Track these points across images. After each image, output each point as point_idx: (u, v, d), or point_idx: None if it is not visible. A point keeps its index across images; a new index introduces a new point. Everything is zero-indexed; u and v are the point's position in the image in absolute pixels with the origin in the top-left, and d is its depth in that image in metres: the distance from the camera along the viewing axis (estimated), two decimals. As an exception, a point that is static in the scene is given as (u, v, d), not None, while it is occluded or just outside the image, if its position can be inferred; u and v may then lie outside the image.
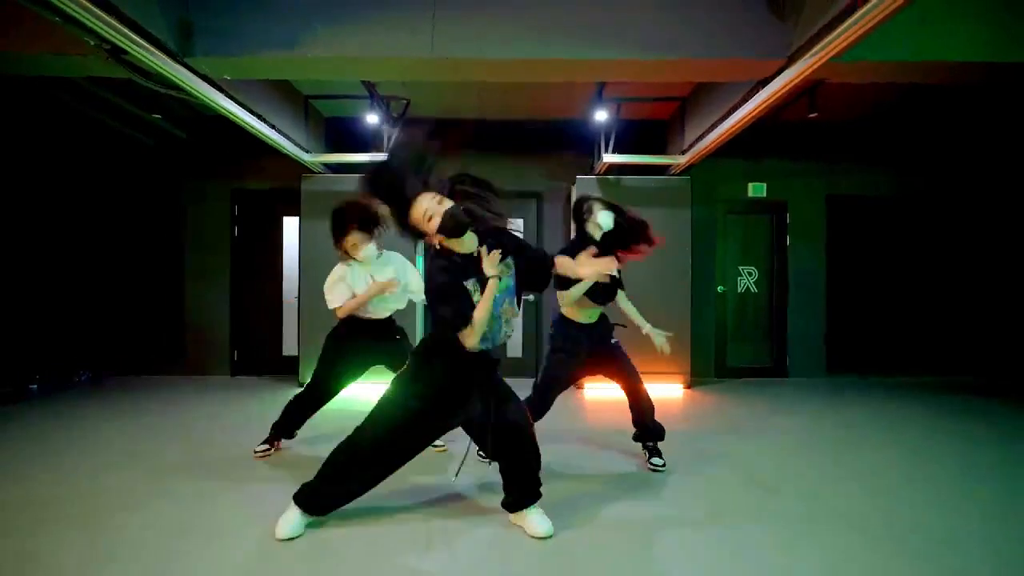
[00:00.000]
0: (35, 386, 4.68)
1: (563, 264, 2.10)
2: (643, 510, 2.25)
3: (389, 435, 1.95)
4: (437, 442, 3.06)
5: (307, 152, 4.67)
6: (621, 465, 2.84)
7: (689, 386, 5.03)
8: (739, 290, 5.73)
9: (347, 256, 2.72)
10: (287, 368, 5.49)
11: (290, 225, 5.56)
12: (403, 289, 2.85)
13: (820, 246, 5.66)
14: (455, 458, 2.89)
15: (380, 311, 2.84)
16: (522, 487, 2.04)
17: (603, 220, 2.53)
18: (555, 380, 2.71)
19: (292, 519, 1.96)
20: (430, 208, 1.78)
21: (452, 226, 1.76)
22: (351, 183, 4.97)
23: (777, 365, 5.68)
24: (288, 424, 2.94)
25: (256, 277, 5.62)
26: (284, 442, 3.05)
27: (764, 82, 3.04)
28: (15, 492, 2.38)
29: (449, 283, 1.84)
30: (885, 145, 5.62)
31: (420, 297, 2.89)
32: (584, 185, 4.99)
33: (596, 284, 2.48)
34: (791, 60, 2.73)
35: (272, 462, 2.84)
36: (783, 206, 5.67)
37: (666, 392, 4.78)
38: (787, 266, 5.65)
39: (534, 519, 2.01)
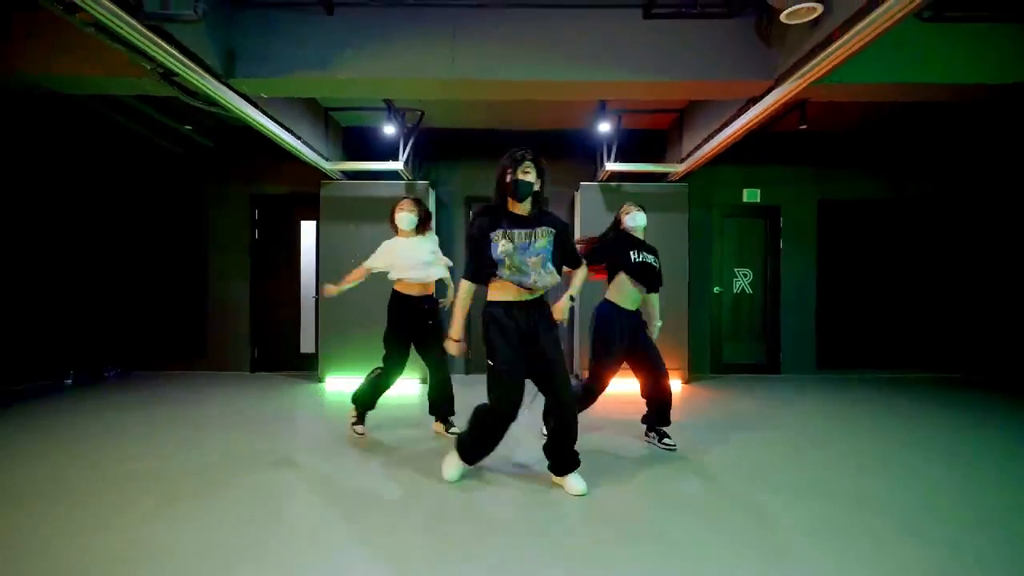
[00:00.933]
0: (70, 380, 4.98)
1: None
2: (653, 477, 2.61)
3: (491, 382, 2.38)
4: None
5: (327, 160, 4.95)
6: (632, 448, 3.13)
7: (687, 382, 5.31)
8: (735, 291, 6.01)
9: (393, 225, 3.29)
10: (304, 365, 5.78)
11: (307, 228, 5.86)
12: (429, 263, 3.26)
13: (811, 249, 5.94)
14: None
15: (419, 278, 3.22)
16: (566, 456, 2.46)
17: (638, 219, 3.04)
18: (605, 360, 2.96)
19: (453, 464, 2.56)
20: (514, 169, 2.33)
21: (512, 189, 2.33)
22: (367, 189, 5.27)
23: (770, 362, 5.96)
24: (365, 398, 3.30)
25: (275, 278, 5.90)
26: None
27: (754, 100, 3.33)
28: (66, 477, 2.66)
29: (475, 236, 2.37)
30: (874, 152, 5.90)
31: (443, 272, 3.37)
32: (588, 191, 5.28)
33: (643, 269, 2.95)
34: (777, 82, 3.02)
35: (303, 453, 3.12)
36: (776, 211, 5.95)
37: (665, 387, 5.06)
38: (780, 268, 5.93)
39: (572, 480, 2.44)
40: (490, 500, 2.35)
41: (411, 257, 3.19)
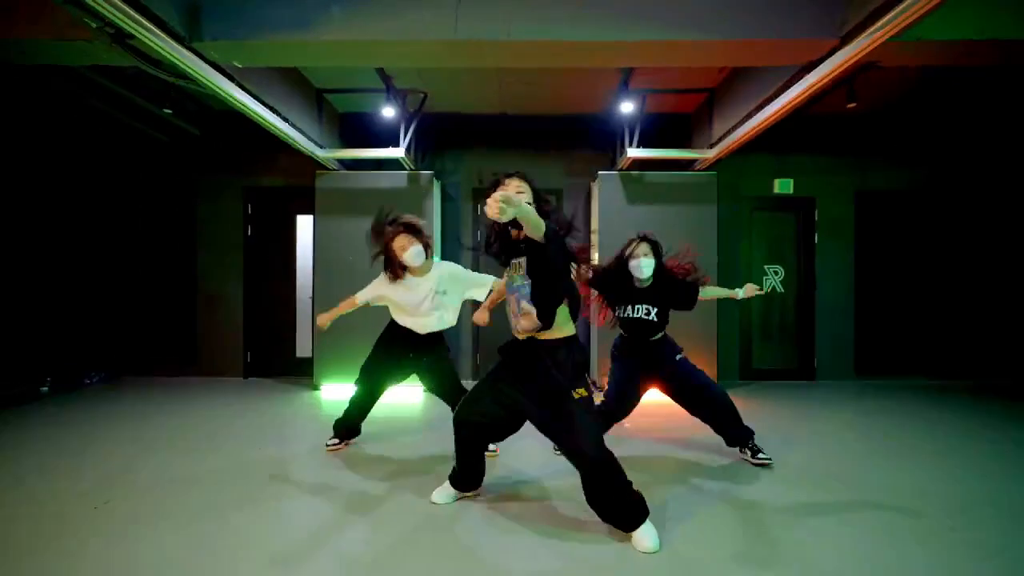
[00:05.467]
0: (46, 388, 4.58)
1: None
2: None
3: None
4: (490, 446, 2.92)
5: (321, 147, 4.51)
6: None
7: (716, 390, 4.81)
8: (765, 289, 5.51)
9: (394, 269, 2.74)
10: (301, 370, 5.35)
11: (303, 223, 5.42)
12: (439, 305, 2.81)
13: (849, 244, 5.42)
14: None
15: (419, 327, 2.82)
16: (617, 510, 1.95)
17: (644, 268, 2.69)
18: (616, 384, 2.82)
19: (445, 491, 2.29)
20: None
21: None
22: (366, 180, 4.82)
23: (804, 367, 5.45)
24: (347, 423, 3.02)
25: (269, 277, 5.48)
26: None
27: (809, 67, 2.84)
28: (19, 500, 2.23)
29: None
30: (917, 138, 5.37)
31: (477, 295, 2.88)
32: (607, 181, 4.79)
33: (632, 324, 2.74)
34: (844, 40, 2.52)
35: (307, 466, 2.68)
36: (811, 203, 5.44)
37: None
38: (815, 265, 5.42)
39: (640, 534, 1.92)
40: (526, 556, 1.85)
41: (407, 300, 2.76)
